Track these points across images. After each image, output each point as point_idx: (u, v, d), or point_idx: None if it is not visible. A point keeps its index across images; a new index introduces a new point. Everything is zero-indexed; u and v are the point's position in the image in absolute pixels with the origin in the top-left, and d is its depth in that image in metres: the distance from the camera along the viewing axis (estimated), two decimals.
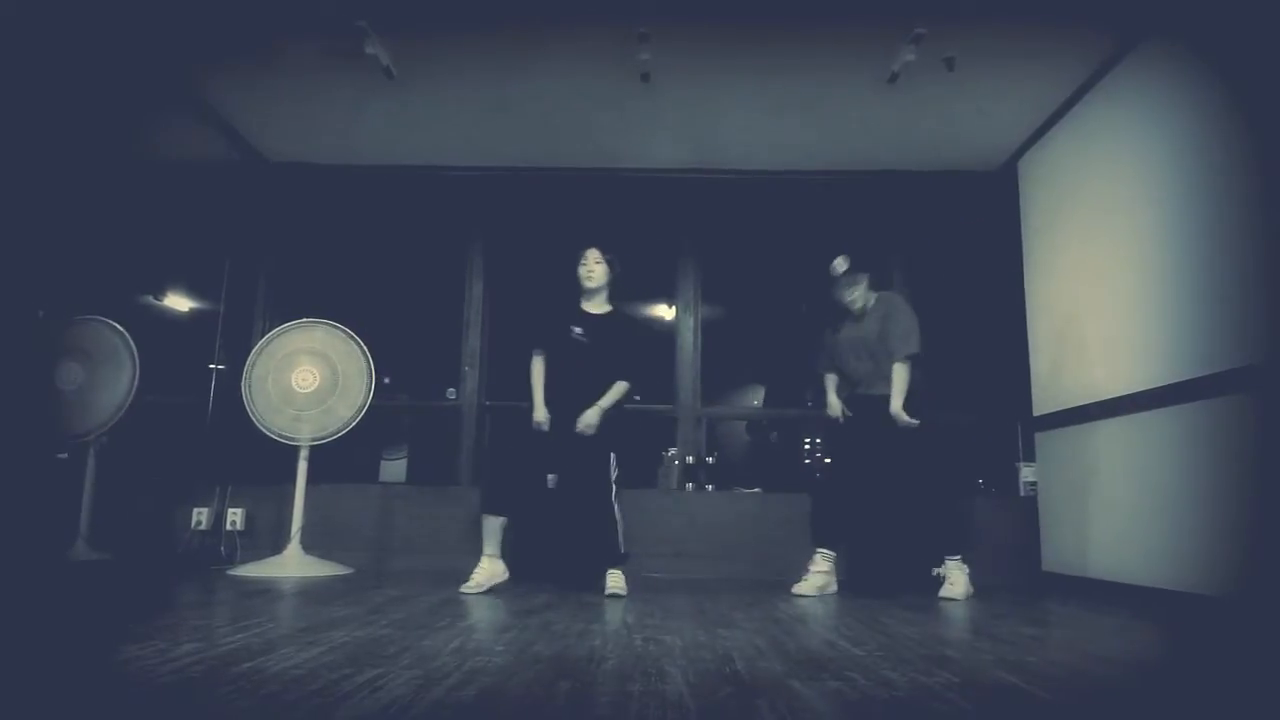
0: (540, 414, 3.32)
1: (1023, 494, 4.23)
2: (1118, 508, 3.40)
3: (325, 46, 3.55)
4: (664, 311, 5.50)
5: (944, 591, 3.35)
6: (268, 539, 4.17)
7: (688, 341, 4.70)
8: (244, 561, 3.91)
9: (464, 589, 3.15)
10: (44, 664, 1.77)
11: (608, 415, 3.31)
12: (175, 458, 4.46)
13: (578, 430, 3.26)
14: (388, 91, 3.88)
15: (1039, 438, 4.15)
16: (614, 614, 2.70)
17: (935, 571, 3.51)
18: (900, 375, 3.37)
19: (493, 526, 3.27)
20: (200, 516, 4.23)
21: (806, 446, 9.77)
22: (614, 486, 3.29)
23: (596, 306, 3.45)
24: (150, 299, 5.31)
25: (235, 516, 4.23)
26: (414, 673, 1.69)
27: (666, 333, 4.90)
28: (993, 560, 4.08)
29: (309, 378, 3.96)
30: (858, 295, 3.51)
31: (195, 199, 4.81)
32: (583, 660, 1.89)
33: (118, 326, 4.19)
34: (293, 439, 3.92)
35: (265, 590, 3.17)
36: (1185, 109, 3.05)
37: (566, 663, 1.86)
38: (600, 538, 3.27)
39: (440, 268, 4.86)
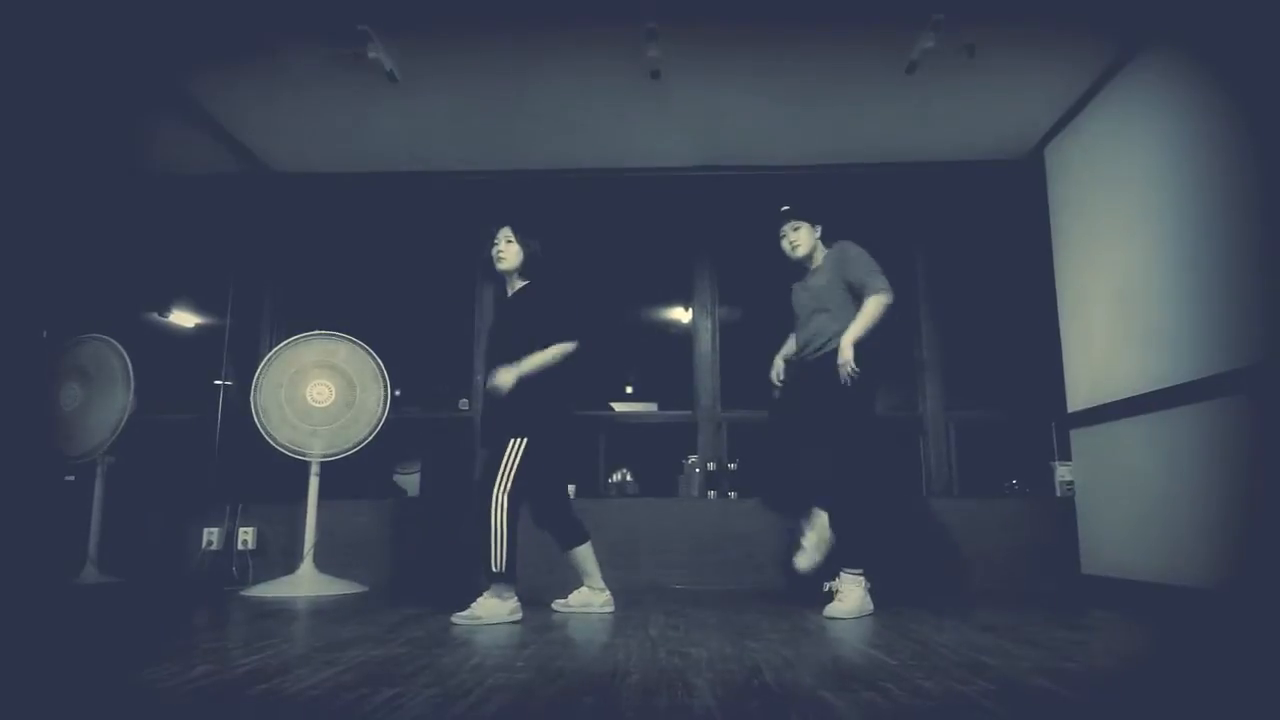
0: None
1: (1059, 494, 4.19)
2: (1161, 507, 3.36)
3: (328, 52, 3.58)
4: (680, 314, 5.51)
5: (830, 610, 2.96)
6: (280, 558, 4.20)
7: (705, 344, 4.70)
8: (256, 582, 3.95)
9: (607, 609, 3.15)
10: (55, 691, 1.79)
11: (526, 388, 2.97)
12: (184, 477, 4.51)
13: (486, 388, 3.02)
14: (392, 96, 3.92)
15: (1075, 435, 4.11)
16: (637, 628, 2.70)
17: (827, 586, 3.20)
18: (871, 308, 3.11)
19: (572, 561, 3.18)
20: (211, 537, 4.27)
21: None
22: (501, 485, 2.89)
23: (512, 288, 3.26)
24: (155, 315, 5.37)
25: (246, 536, 4.26)
26: (433, 691, 1.71)
27: (684, 336, 4.91)
28: (1030, 564, 4.07)
29: (325, 392, 4.00)
30: (798, 240, 3.33)
31: (198, 211, 4.86)
32: (606, 675, 1.89)
33: (113, 343, 4.22)
34: (305, 454, 3.97)
35: (279, 610, 3.20)
36: (1215, 92, 3.03)
37: (589, 678, 1.86)
38: (477, 550, 2.89)
39: (449, 275, 4.89)
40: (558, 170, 4.80)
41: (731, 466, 4.55)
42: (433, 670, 1.94)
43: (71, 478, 4.38)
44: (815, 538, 3.16)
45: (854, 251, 3.26)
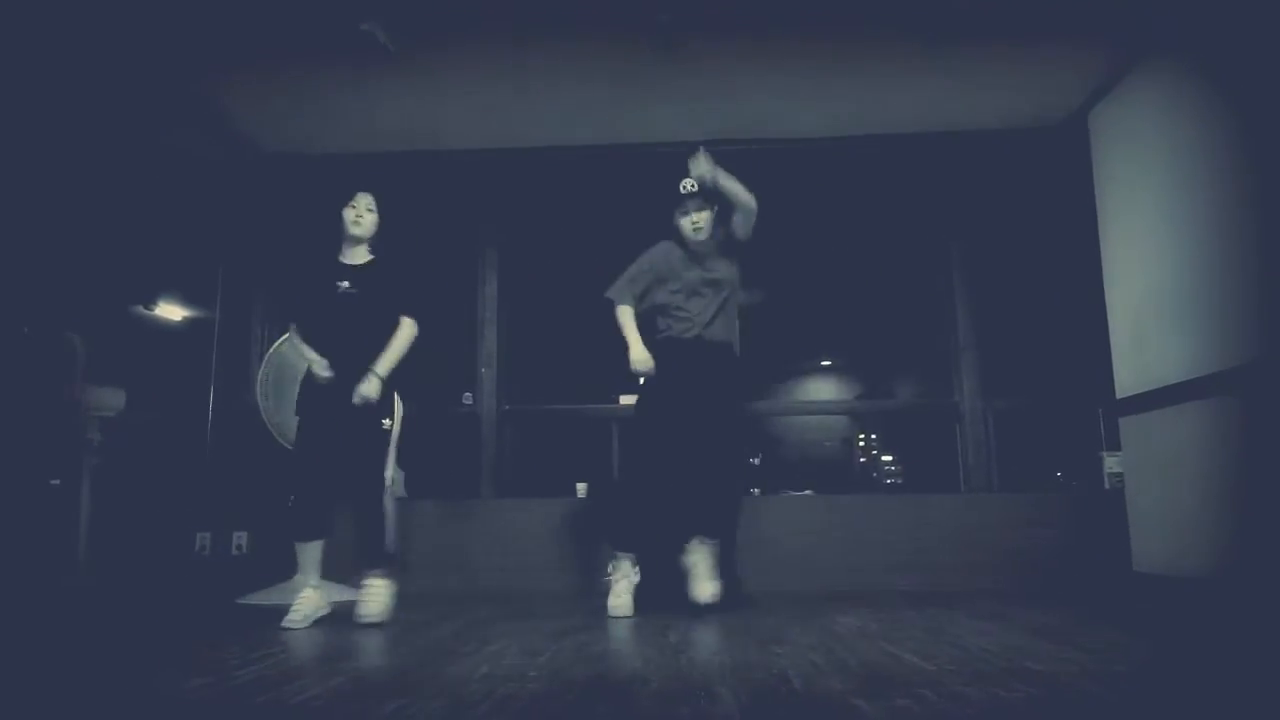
0: (321, 366, 3.17)
1: (1108, 487, 4.17)
2: (1220, 500, 3.34)
3: (320, 25, 3.58)
4: None
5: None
6: (276, 562, 4.22)
7: None
8: (252, 588, 3.98)
9: (287, 623, 2.99)
10: (46, 704, 1.82)
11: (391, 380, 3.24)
12: (175, 479, 4.55)
13: (354, 402, 3.13)
14: (390, 70, 3.91)
15: (1124, 423, 4.08)
16: (656, 634, 2.71)
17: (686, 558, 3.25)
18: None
19: (309, 553, 3.17)
20: (203, 540, 4.31)
21: (861, 443, 9.74)
22: (388, 467, 3.23)
23: (357, 257, 3.34)
24: (141, 309, 5.41)
25: (240, 540, 4.30)
26: (440, 702, 1.72)
27: None
28: (1077, 561, 4.04)
29: None
30: (704, 223, 3.46)
31: (184, 196, 4.87)
32: (623, 683, 1.91)
33: (70, 335, 4.25)
34: None
35: (276, 618, 3.23)
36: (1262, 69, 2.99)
37: (606, 687, 1.88)
38: (360, 534, 3.15)
39: (450, 261, 4.90)
40: (564, 147, 4.78)
41: (754, 461, 4.55)
42: (440, 680, 1.95)
43: (57, 481, 4.43)
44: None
45: None
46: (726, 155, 4.74)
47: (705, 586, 3.15)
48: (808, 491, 4.41)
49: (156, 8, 3.47)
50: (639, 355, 3.39)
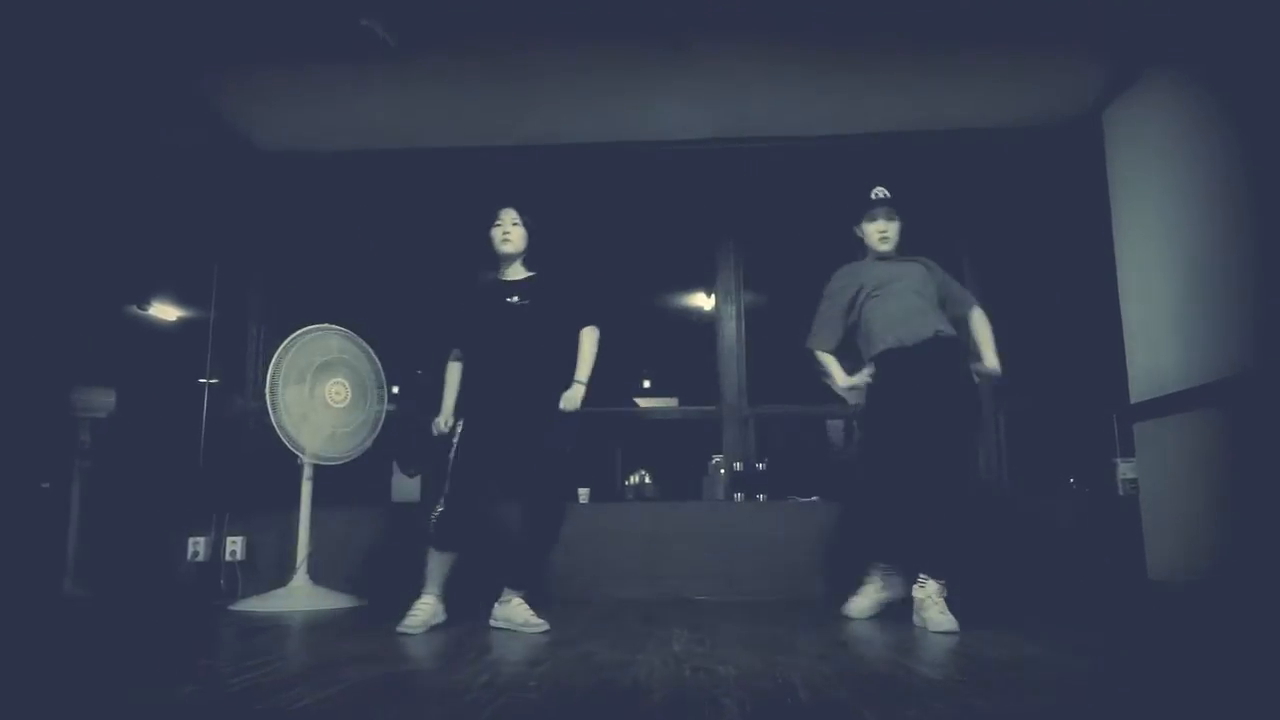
0: (445, 419, 3.25)
1: (1121, 493, 4.16)
2: (1238, 506, 3.33)
3: (318, 22, 3.59)
4: (702, 301, 5.51)
5: (935, 624, 2.88)
6: (272, 569, 4.23)
7: (730, 333, 4.68)
8: (246, 595, 3.99)
9: (404, 628, 2.95)
10: (37, 712, 1.82)
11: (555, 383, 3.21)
12: (168, 483, 4.55)
13: (563, 408, 3.16)
14: (390, 66, 3.91)
15: (1138, 429, 4.08)
16: (659, 644, 2.71)
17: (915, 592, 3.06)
18: (987, 322, 3.38)
19: (443, 563, 3.13)
20: (197, 546, 4.31)
21: None
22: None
23: (517, 274, 3.35)
24: (134, 308, 5.42)
25: (235, 545, 4.30)
26: (440, 710, 1.72)
27: (706, 325, 4.90)
28: (1091, 569, 4.03)
29: (341, 392, 4.07)
30: (893, 233, 3.39)
31: (178, 194, 4.87)
32: (626, 694, 1.90)
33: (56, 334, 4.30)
34: (332, 458, 4.05)
35: (272, 626, 3.23)
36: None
37: (608, 697, 1.88)
38: (522, 551, 3.15)
39: (453, 262, 4.89)
40: (569, 145, 4.78)
41: (760, 466, 4.54)
42: (439, 689, 1.96)
43: (47, 485, 4.43)
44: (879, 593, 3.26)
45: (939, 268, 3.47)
46: (731, 154, 4.78)
47: (939, 620, 2.88)
48: (815, 498, 4.40)
49: (152, 6, 3.48)
50: (845, 384, 3.34)
